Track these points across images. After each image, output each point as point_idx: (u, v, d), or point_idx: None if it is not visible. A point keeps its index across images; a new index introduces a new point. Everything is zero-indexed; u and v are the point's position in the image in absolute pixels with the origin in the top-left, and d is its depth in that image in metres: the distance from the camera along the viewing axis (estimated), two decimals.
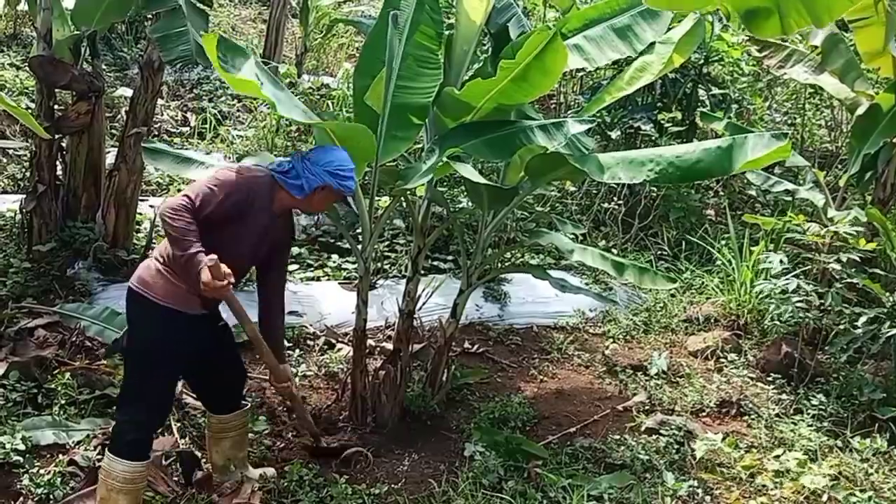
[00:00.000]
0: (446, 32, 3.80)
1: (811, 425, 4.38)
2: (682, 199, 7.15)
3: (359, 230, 4.35)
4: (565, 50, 3.35)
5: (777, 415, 4.53)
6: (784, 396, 4.73)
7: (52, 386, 4.01)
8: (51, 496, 3.34)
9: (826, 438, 4.25)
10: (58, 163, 5.41)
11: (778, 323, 5.15)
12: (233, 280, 2.95)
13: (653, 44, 4.10)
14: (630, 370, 4.99)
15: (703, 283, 6.18)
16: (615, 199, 7.10)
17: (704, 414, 4.58)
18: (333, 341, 5.00)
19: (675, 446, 4.11)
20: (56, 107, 5.36)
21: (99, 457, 3.52)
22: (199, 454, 3.68)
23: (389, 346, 4.73)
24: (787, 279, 4.94)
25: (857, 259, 4.85)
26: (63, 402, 3.94)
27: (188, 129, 8.19)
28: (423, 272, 4.33)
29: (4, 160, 7.04)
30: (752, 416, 4.52)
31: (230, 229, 3.04)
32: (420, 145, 4.48)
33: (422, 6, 3.68)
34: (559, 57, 3.34)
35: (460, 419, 4.34)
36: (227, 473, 3.52)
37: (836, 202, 5.58)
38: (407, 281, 4.23)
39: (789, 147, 3.53)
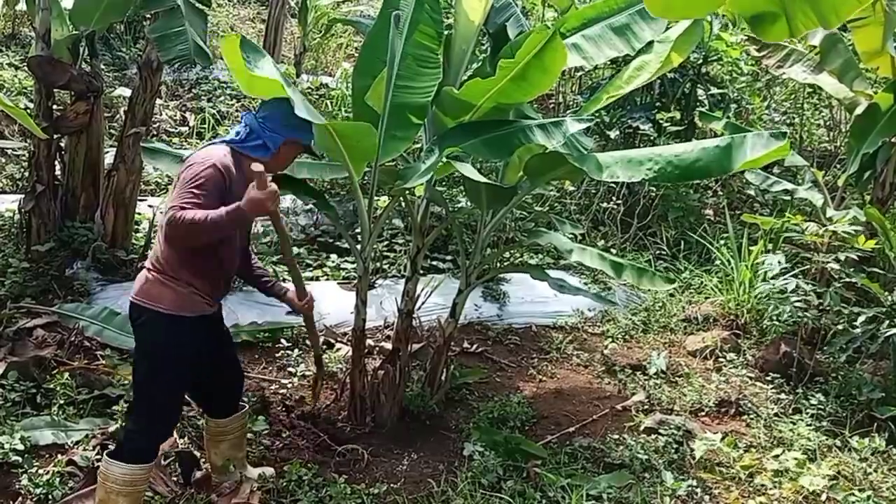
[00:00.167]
0: (445, 32, 3.80)
1: (810, 425, 4.38)
2: (680, 198, 7.15)
3: (358, 230, 4.35)
4: (564, 49, 3.34)
5: (776, 414, 4.54)
6: (783, 396, 4.74)
7: (51, 386, 4.00)
8: (49, 496, 3.33)
9: (825, 438, 4.25)
10: (56, 163, 5.41)
11: (777, 322, 5.16)
12: (275, 188, 2.91)
13: (651, 43, 4.10)
14: (629, 370, 4.99)
15: (701, 282, 6.19)
16: (614, 198, 7.11)
17: (703, 413, 4.58)
18: (332, 341, 5.00)
19: (674, 446, 4.11)
20: (55, 107, 5.35)
21: (98, 457, 3.52)
22: (197, 454, 3.68)
23: (388, 345, 4.73)
24: (785, 279, 4.95)
25: (856, 258, 4.85)
26: (62, 402, 3.93)
27: (187, 128, 8.19)
28: (421, 272, 4.33)
29: (3, 160, 7.04)
30: (751, 416, 4.52)
31: None
32: (419, 145, 4.48)
33: (421, 6, 3.68)
34: (558, 56, 3.34)
35: (459, 419, 4.34)
36: (227, 473, 3.52)
37: (835, 202, 5.59)
38: (406, 280, 4.23)
39: (788, 146, 3.52)
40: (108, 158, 5.69)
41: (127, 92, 7.32)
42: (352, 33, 11.47)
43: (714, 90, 7.47)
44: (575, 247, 4.29)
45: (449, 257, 6.12)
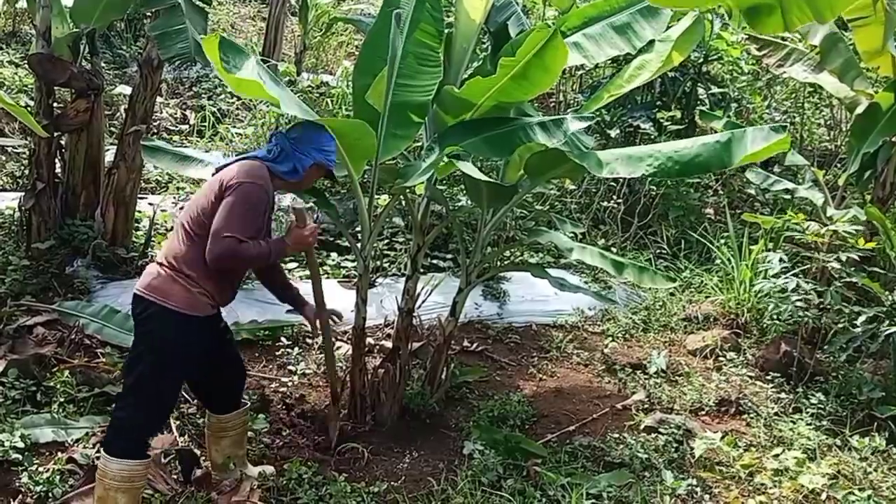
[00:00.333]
0: (446, 31, 3.80)
1: (810, 424, 4.38)
2: (681, 197, 7.15)
3: (358, 228, 4.35)
4: (565, 48, 3.34)
5: (776, 413, 4.54)
6: (783, 395, 4.73)
7: (51, 384, 4.00)
8: (49, 494, 3.33)
9: (825, 437, 4.25)
10: (57, 161, 5.40)
11: (777, 322, 5.15)
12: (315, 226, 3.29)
13: (652, 42, 4.10)
14: (629, 369, 4.99)
15: (702, 281, 6.19)
16: (614, 197, 7.11)
17: (703, 412, 4.58)
18: (333, 339, 4.99)
19: (674, 445, 4.11)
20: (55, 105, 5.35)
21: (97, 455, 3.52)
22: (198, 452, 3.68)
23: (389, 344, 4.73)
24: (786, 278, 4.95)
25: (857, 258, 4.85)
26: (62, 399, 3.93)
27: (187, 126, 8.19)
28: (422, 270, 4.33)
29: (3, 158, 7.04)
30: (751, 415, 4.52)
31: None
32: (419, 143, 4.48)
33: (422, 4, 3.68)
34: (559, 55, 3.33)
35: (459, 417, 4.34)
36: (227, 471, 3.52)
37: (836, 201, 5.59)
38: (406, 279, 4.23)
39: (788, 140, 3.52)
40: (109, 156, 5.69)
41: (127, 90, 7.32)
42: (352, 32, 11.47)
43: (715, 89, 7.47)
44: (575, 245, 4.29)
45: (449, 256, 6.11)
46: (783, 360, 5.00)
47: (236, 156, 3.33)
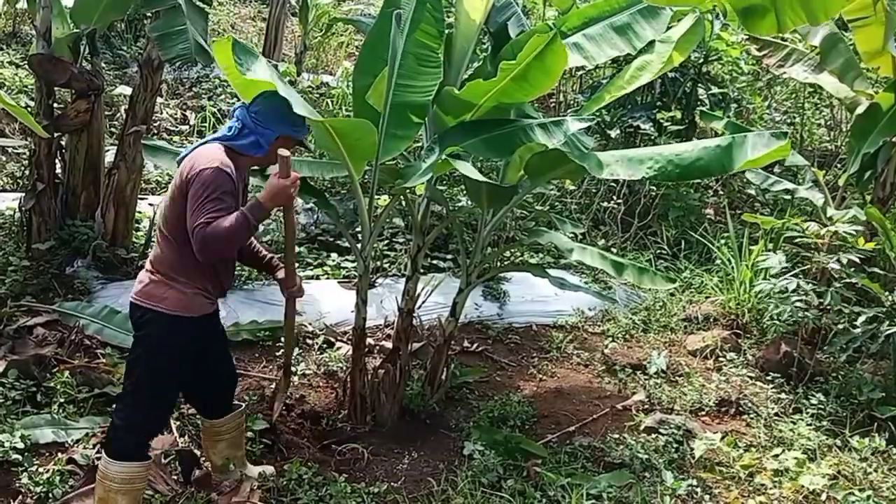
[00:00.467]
0: (446, 31, 3.80)
1: (810, 424, 4.38)
2: (681, 198, 7.15)
3: (358, 229, 4.35)
4: (566, 51, 3.34)
5: (776, 414, 4.54)
6: (783, 396, 4.73)
7: (52, 384, 4.00)
8: (50, 494, 3.34)
9: (825, 438, 4.25)
10: (57, 161, 5.41)
11: (777, 322, 5.15)
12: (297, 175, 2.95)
13: (652, 42, 4.10)
14: (629, 369, 4.99)
15: (702, 282, 6.19)
16: (614, 198, 7.11)
17: (703, 413, 4.58)
18: (333, 340, 5.00)
19: (674, 445, 4.11)
20: (55, 105, 5.35)
21: (98, 455, 3.52)
22: (197, 452, 3.68)
23: (389, 344, 4.73)
24: (786, 278, 4.95)
25: (857, 258, 4.85)
26: (62, 400, 3.94)
27: (188, 127, 8.19)
28: (422, 271, 4.33)
29: (4, 158, 7.04)
30: (751, 416, 4.52)
31: None
32: (420, 144, 4.48)
33: (422, 5, 3.68)
34: (559, 58, 3.33)
35: (459, 418, 4.34)
36: (227, 472, 3.52)
37: (836, 201, 5.58)
38: (406, 279, 4.23)
39: (789, 146, 3.53)
40: (109, 157, 5.69)
41: (128, 90, 7.32)
42: (353, 32, 11.47)
43: (715, 89, 7.47)
44: (575, 246, 4.29)
45: (449, 256, 6.12)
46: (783, 360, 5.00)
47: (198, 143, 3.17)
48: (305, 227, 6.38)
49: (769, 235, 5.99)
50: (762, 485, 3.84)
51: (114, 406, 3.27)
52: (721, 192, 7.59)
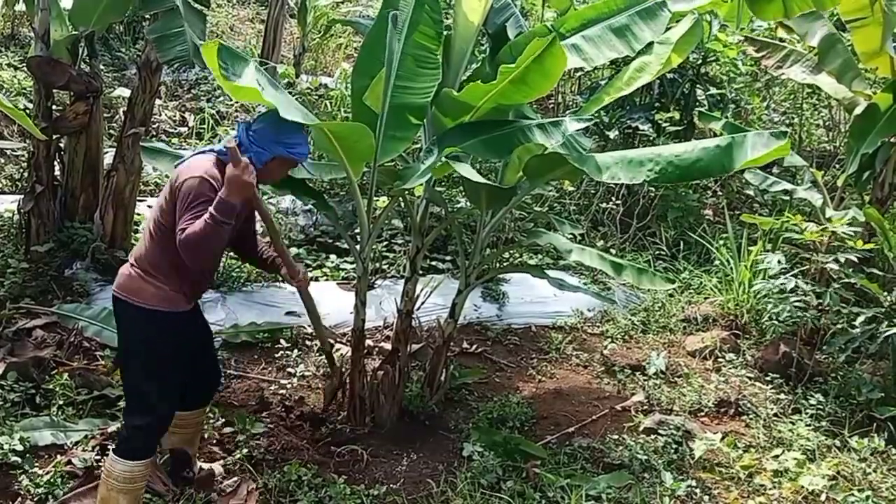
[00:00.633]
0: (445, 32, 3.80)
1: (809, 425, 4.38)
2: (680, 198, 7.16)
3: (357, 230, 4.35)
4: (564, 54, 3.34)
5: (775, 414, 4.54)
6: (782, 396, 4.74)
7: (51, 386, 4.00)
8: (50, 496, 3.33)
9: (824, 438, 4.26)
10: (56, 163, 5.40)
11: (776, 323, 5.16)
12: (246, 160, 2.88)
13: (651, 44, 4.10)
14: (628, 370, 4.99)
15: (701, 282, 6.19)
16: (613, 198, 7.11)
17: (703, 414, 4.58)
18: (332, 341, 4.99)
19: (674, 446, 4.11)
20: (54, 107, 5.35)
21: (97, 457, 3.52)
22: (189, 451, 3.67)
23: (388, 346, 4.73)
24: (785, 279, 4.95)
25: (855, 259, 4.85)
26: (61, 402, 3.93)
27: (186, 129, 8.18)
28: (421, 272, 4.33)
29: (2, 160, 7.04)
30: (751, 416, 4.52)
31: None
32: (418, 145, 4.48)
33: (421, 6, 3.68)
34: (558, 60, 3.34)
35: (459, 419, 4.34)
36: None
37: (834, 202, 5.59)
38: (405, 281, 4.23)
39: (788, 146, 3.52)
40: (108, 159, 5.69)
41: (126, 92, 7.32)
42: (351, 34, 11.47)
43: (713, 90, 7.47)
44: (574, 247, 4.29)
45: (448, 257, 6.12)
46: (782, 360, 5.00)
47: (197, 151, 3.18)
48: (304, 229, 6.38)
49: (768, 236, 5.99)
50: (762, 485, 3.85)
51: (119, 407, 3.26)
52: (720, 193, 7.59)
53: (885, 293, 4.78)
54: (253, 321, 5.02)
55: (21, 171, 6.70)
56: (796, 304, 4.84)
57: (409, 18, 3.68)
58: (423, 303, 4.45)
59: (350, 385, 4.12)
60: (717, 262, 6.18)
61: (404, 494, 3.60)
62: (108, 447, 3.37)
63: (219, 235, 2.85)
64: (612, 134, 7.29)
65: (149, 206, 6.18)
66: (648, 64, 4.09)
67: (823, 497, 3.74)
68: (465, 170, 3.48)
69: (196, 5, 5.04)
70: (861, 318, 4.71)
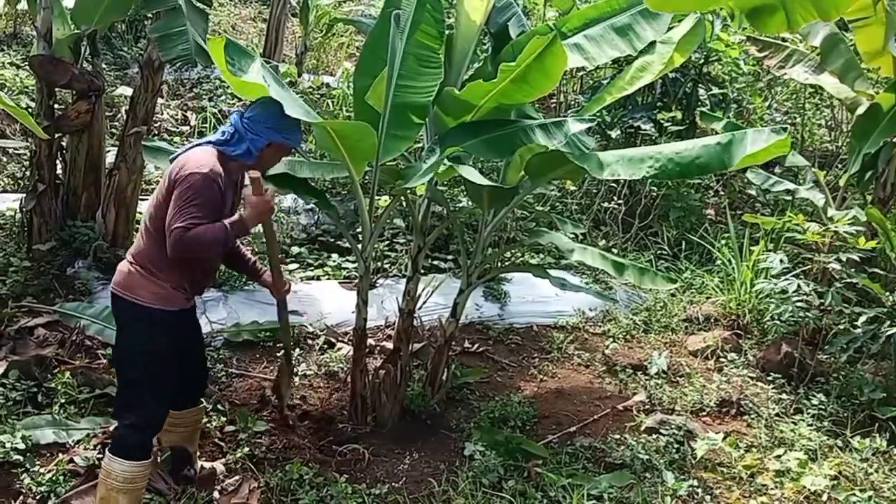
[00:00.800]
0: (447, 32, 3.80)
1: (811, 425, 4.38)
2: (681, 198, 7.15)
3: (359, 229, 4.35)
4: (565, 53, 3.34)
5: (777, 414, 4.54)
6: (784, 396, 4.73)
7: (52, 385, 4.01)
8: (52, 494, 3.34)
9: (826, 438, 4.25)
10: (58, 162, 5.40)
11: (778, 322, 5.15)
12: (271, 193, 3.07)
13: (653, 43, 4.10)
14: (630, 370, 4.99)
15: (703, 282, 6.19)
16: (615, 198, 7.11)
17: (704, 413, 4.58)
18: (333, 340, 5.00)
19: (675, 446, 4.11)
20: (56, 106, 5.35)
21: (99, 456, 3.53)
22: (189, 449, 3.67)
23: (389, 345, 4.73)
24: (786, 279, 4.95)
25: (857, 259, 4.85)
26: (63, 401, 3.94)
27: (188, 128, 8.18)
28: (423, 271, 4.33)
29: (4, 159, 7.04)
30: (752, 416, 4.52)
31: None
32: (420, 144, 4.48)
33: (423, 5, 3.68)
34: (559, 59, 3.33)
35: (460, 418, 4.34)
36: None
37: (837, 202, 5.58)
38: (407, 280, 4.23)
39: (789, 141, 3.51)
40: (110, 158, 5.69)
41: (128, 91, 7.32)
42: (353, 33, 11.47)
43: (715, 90, 7.47)
44: (576, 246, 4.29)
45: (450, 257, 6.12)
46: (784, 360, 5.00)
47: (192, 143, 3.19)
48: (306, 228, 6.38)
49: (770, 236, 5.99)
50: (764, 485, 3.84)
51: (113, 406, 3.26)
52: (722, 193, 7.59)
53: (888, 293, 4.78)
54: (255, 320, 5.02)
55: (23, 169, 6.70)
56: (798, 304, 4.84)
57: (411, 17, 3.68)
58: (424, 302, 4.46)
59: (352, 384, 4.12)
60: (718, 262, 6.17)
61: (406, 493, 3.60)
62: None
63: (222, 248, 3.00)
64: (615, 133, 7.29)
65: None
66: (650, 63, 4.09)
67: (825, 497, 3.73)
68: (468, 172, 3.48)
69: (198, 4, 5.05)
70: (863, 318, 4.70)
